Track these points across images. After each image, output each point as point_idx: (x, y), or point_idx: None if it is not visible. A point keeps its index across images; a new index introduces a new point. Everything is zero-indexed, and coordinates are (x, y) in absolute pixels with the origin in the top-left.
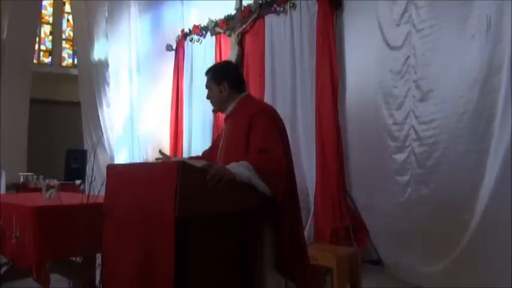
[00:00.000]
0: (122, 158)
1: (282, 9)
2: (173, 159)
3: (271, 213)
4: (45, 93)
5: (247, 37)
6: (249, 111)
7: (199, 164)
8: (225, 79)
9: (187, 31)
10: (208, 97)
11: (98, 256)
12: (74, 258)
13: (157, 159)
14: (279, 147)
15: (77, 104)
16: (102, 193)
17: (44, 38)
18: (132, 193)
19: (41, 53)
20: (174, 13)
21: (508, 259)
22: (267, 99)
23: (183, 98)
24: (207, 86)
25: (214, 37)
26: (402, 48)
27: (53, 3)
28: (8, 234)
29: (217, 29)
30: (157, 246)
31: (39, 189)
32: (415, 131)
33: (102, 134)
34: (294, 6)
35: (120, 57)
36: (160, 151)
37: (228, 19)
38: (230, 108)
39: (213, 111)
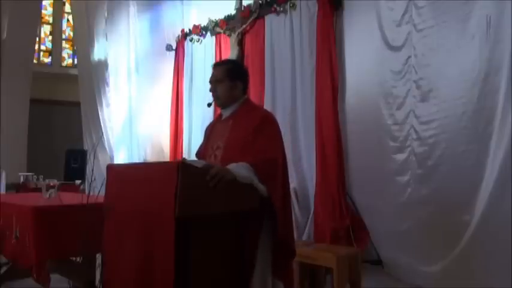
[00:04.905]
0: (121, 157)
1: (282, 9)
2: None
3: (268, 216)
4: (45, 93)
5: (247, 37)
6: (256, 115)
7: (199, 164)
8: (240, 78)
9: (187, 31)
10: (213, 89)
11: (98, 256)
12: (74, 258)
13: None
14: (278, 154)
15: (77, 104)
16: (102, 193)
17: (44, 38)
18: (132, 193)
19: (41, 53)
20: (174, 13)
21: (508, 259)
22: (267, 99)
23: (183, 98)
24: (216, 78)
25: (214, 37)
26: (403, 48)
27: (53, 3)
28: (8, 234)
29: (217, 29)
30: (157, 246)
31: (39, 189)
32: (415, 131)
33: (102, 134)
34: (294, 6)
35: (120, 57)
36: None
37: (228, 19)
38: (232, 108)
39: (209, 105)
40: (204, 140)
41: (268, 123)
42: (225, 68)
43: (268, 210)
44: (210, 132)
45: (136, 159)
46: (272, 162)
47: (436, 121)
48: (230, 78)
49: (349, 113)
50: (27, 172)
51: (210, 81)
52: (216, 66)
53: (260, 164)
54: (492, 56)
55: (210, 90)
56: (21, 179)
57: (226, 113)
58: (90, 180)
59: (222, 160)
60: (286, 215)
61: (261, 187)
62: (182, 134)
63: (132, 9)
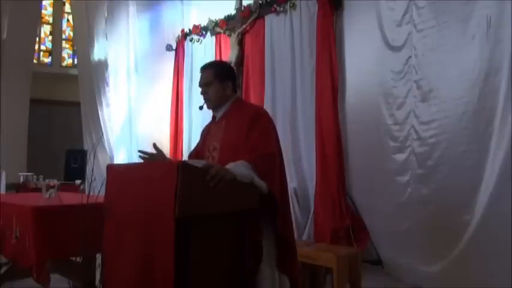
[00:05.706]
0: (121, 157)
1: (282, 9)
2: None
3: (267, 212)
4: (45, 93)
5: (247, 37)
6: (247, 112)
7: (199, 164)
8: (229, 78)
9: (187, 31)
10: (204, 92)
11: (98, 256)
12: (74, 258)
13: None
14: (274, 148)
15: (77, 104)
16: (102, 193)
17: (44, 38)
18: (132, 193)
19: (41, 53)
20: (174, 13)
21: (508, 259)
22: (267, 99)
23: (183, 98)
24: (206, 81)
25: (214, 37)
26: (403, 48)
27: (53, 3)
28: (8, 234)
29: (217, 29)
30: (157, 246)
31: (39, 189)
32: (416, 131)
33: (102, 134)
34: (294, 6)
35: (119, 57)
36: (154, 145)
37: (228, 19)
38: (224, 108)
39: (201, 108)
40: (199, 142)
41: (259, 119)
42: (213, 69)
43: (268, 208)
44: (207, 133)
45: (136, 159)
46: (269, 157)
47: (436, 121)
48: (219, 80)
49: (349, 113)
50: (27, 172)
51: (200, 85)
52: (203, 69)
53: (258, 161)
54: (492, 56)
55: (201, 93)
56: (21, 179)
57: (219, 114)
58: (90, 180)
59: (219, 161)
60: (285, 210)
61: (262, 184)
62: (182, 134)
63: (132, 9)
